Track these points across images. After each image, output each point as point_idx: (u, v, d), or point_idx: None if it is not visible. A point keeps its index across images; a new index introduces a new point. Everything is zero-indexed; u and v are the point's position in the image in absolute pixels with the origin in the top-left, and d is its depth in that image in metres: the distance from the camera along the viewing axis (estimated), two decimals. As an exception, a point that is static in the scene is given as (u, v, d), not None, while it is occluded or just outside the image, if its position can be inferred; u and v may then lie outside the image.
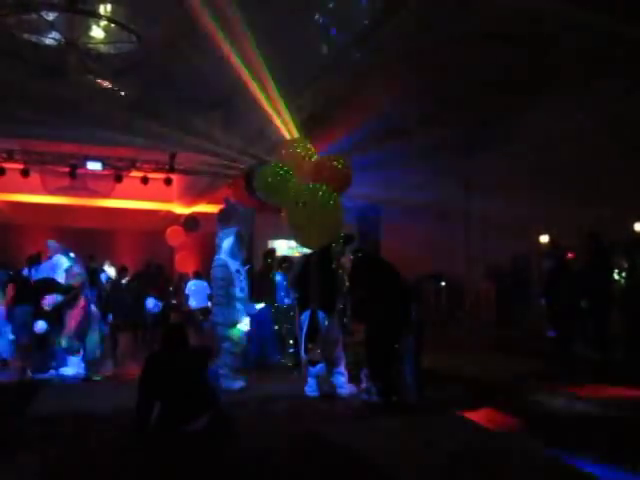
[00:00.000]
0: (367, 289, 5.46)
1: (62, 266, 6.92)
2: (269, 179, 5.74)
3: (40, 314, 6.56)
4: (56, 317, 6.61)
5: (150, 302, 10.04)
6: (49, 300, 6.60)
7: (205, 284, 11.74)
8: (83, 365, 6.79)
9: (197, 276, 11.88)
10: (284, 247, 11.53)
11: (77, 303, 6.75)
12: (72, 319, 6.68)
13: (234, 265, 5.93)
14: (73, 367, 6.67)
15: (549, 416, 4.62)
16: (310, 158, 5.93)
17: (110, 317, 8.56)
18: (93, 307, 7.13)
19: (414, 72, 9.16)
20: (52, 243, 7.38)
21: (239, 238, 6.05)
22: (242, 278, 5.98)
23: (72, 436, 4.07)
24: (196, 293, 11.46)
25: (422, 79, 9.51)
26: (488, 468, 3.38)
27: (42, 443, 3.91)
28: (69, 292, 6.70)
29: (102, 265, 10.96)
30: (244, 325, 5.96)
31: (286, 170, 5.68)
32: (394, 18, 6.87)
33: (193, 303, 11.42)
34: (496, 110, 10.67)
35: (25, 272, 10.09)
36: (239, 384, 5.80)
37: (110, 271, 11.76)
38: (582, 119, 10.37)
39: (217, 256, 6.06)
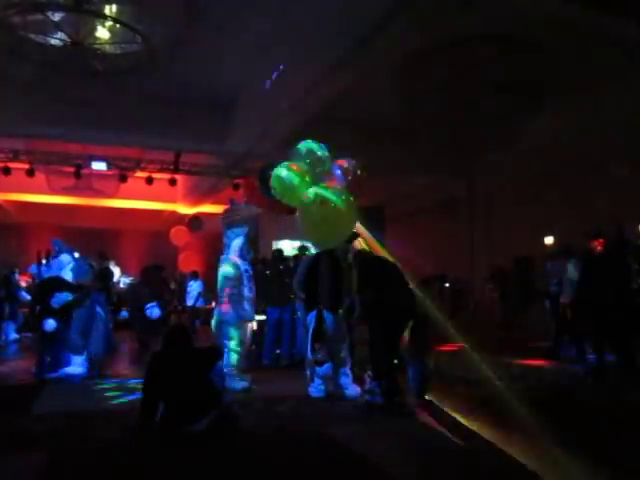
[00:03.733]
0: (371, 290, 5.46)
1: (68, 265, 6.96)
2: (285, 178, 5.68)
3: (49, 312, 6.60)
4: (64, 315, 6.65)
5: (152, 310, 10.04)
6: (58, 298, 6.63)
7: (199, 284, 11.83)
8: (86, 364, 6.82)
9: (194, 276, 11.96)
10: (289, 248, 11.54)
11: (85, 302, 6.79)
12: (78, 317, 6.73)
13: (243, 265, 5.99)
14: (77, 366, 6.69)
15: (551, 416, 4.61)
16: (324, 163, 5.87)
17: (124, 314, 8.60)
18: (98, 307, 7.16)
19: (418, 74, 9.18)
20: (57, 242, 7.42)
21: (248, 239, 6.11)
22: (250, 278, 6.03)
23: (75, 435, 4.08)
24: (191, 293, 11.57)
25: (424, 80, 9.53)
26: (487, 469, 3.37)
27: (45, 441, 3.92)
28: (78, 290, 6.74)
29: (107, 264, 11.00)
30: (252, 325, 6.04)
31: (302, 170, 5.62)
32: (397, 19, 6.86)
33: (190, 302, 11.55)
34: (501, 111, 10.65)
35: (34, 269, 10.17)
36: (242, 384, 5.81)
37: (115, 270, 11.85)
38: (586, 120, 10.36)
39: (225, 255, 6.09)
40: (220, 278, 5.98)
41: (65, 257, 7.08)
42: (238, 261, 5.97)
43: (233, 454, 3.74)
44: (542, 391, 5.71)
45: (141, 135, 11.57)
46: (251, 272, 6.13)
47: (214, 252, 10.78)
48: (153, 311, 9.56)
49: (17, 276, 10.16)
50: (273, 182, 5.73)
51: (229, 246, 6.07)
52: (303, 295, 5.86)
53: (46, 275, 7.55)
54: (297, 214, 5.73)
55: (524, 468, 3.39)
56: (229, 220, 6.19)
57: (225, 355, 5.72)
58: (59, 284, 6.77)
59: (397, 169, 13.25)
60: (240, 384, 5.77)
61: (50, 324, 6.54)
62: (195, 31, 8.43)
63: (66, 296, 6.64)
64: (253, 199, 6.31)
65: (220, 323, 5.90)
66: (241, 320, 5.85)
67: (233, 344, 5.83)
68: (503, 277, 13.16)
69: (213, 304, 10.93)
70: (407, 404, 5.00)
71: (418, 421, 4.54)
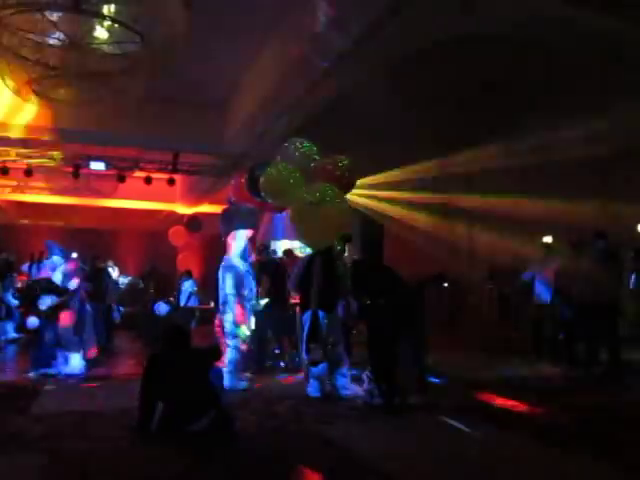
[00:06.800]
0: (368, 292, 5.46)
1: (59, 267, 6.95)
2: (275, 179, 5.68)
3: (33, 312, 6.62)
4: (50, 316, 6.66)
5: (160, 307, 10.14)
6: (45, 300, 6.63)
7: (190, 283, 11.84)
8: (84, 363, 6.81)
9: (187, 275, 11.98)
10: (287, 247, 11.55)
11: (71, 305, 6.81)
12: (66, 316, 6.73)
13: (243, 266, 5.99)
14: (74, 365, 6.68)
15: (549, 416, 4.61)
16: (314, 159, 5.89)
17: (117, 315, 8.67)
18: (88, 306, 7.19)
19: (415, 72, 9.16)
20: (50, 243, 7.40)
21: (250, 241, 6.14)
22: (250, 279, 6.04)
23: (74, 435, 4.08)
24: (184, 292, 11.58)
25: (423, 79, 9.51)
26: (487, 470, 3.37)
27: (44, 442, 3.91)
28: (64, 294, 6.74)
29: (105, 265, 10.99)
30: (251, 325, 6.07)
31: (292, 169, 5.63)
32: (395, 18, 6.85)
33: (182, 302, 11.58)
34: (498, 109, 10.65)
35: (25, 268, 10.16)
36: (243, 384, 5.81)
37: (113, 271, 11.84)
38: (584, 119, 10.36)
39: (227, 257, 6.09)
40: (222, 279, 5.97)
41: (57, 259, 7.07)
42: (238, 262, 5.98)
43: (232, 454, 3.74)
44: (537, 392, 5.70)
45: (139, 135, 11.55)
46: (252, 273, 6.14)
47: (213, 252, 10.78)
48: (160, 307, 9.68)
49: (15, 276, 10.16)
50: (263, 183, 5.75)
51: (231, 247, 6.08)
52: (298, 295, 5.86)
53: (36, 277, 7.54)
54: (289, 214, 5.75)
55: (523, 467, 3.40)
56: (236, 221, 6.20)
57: (225, 355, 5.72)
58: (47, 287, 6.77)
59: (396, 168, 13.24)
60: (239, 384, 5.76)
61: (32, 322, 6.58)
62: (194, 30, 8.41)
63: (52, 299, 6.64)
64: (242, 199, 6.31)
65: (223, 323, 5.89)
66: (242, 319, 5.86)
67: (234, 343, 5.83)
68: (502, 277, 13.14)
69: (211, 304, 10.94)
70: (407, 404, 5.00)
71: (417, 421, 4.53)
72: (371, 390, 5.25)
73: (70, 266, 7.00)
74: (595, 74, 9.08)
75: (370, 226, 14.20)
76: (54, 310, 6.65)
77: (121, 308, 10.60)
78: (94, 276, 8.22)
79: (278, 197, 5.76)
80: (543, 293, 7.84)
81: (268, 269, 6.91)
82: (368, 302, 5.42)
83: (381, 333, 5.28)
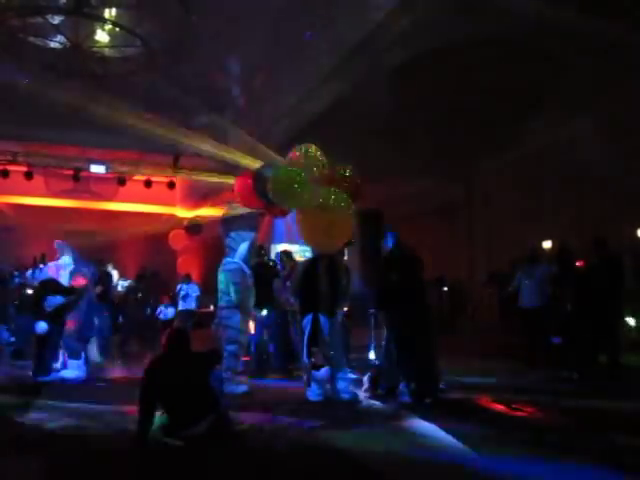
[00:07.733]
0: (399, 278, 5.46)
1: (67, 267, 6.91)
2: (283, 181, 5.63)
3: (41, 315, 6.55)
4: (57, 318, 6.59)
5: (167, 311, 10.21)
6: (50, 301, 6.58)
7: (193, 287, 11.83)
8: (84, 368, 6.77)
9: (187, 279, 11.97)
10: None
11: (79, 305, 6.74)
12: (73, 321, 6.67)
13: (247, 270, 5.94)
14: (74, 370, 6.65)
15: (548, 420, 4.61)
16: (322, 167, 5.86)
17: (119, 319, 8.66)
18: (95, 319, 7.15)
19: (417, 77, 9.19)
20: (60, 243, 7.33)
21: (253, 244, 6.10)
22: (252, 284, 6.01)
23: (73, 438, 4.07)
24: (190, 296, 11.56)
25: (424, 84, 9.55)
26: (486, 473, 3.37)
27: (43, 445, 3.90)
28: (71, 294, 6.68)
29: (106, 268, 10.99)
30: (250, 329, 6.07)
31: (301, 172, 5.58)
32: (397, 21, 6.89)
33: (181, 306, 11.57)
34: (499, 115, 10.68)
35: (29, 274, 10.14)
36: (242, 388, 5.79)
37: (113, 274, 11.85)
38: (584, 124, 10.39)
39: (230, 259, 6.01)
40: (224, 282, 5.91)
41: (65, 259, 7.02)
42: (244, 266, 5.93)
43: (231, 458, 3.73)
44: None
45: (140, 138, 11.57)
46: (252, 277, 6.10)
47: (213, 255, 10.77)
48: (167, 312, 9.77)
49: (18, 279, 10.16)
50: (270, 185, 5.70)
51: (235, 250, 6.01)
52: (299, 299, 5.82)
53: (40, 278, 7.51)
54: (297, 218, 5.71)
55: (522, 470, 3.39)
56: (236, 224, 6.17)
57: (225, 359, 5.70)
58: (53, 287, 6.71)
59: (396, 172, 13.27)
60: (239, 388, 5.75)
61: (41, 327, 6.48)
62: (195, 34, 8.44)
63: (59, 299, 6.57)
64: (247, 200, 6.20)
65: (223, 327, 5.85)
66: (244, 324, 5.84)
67: (233, 348, 5.79)
68: (502, 280, 13.13)
69: (211, 307, 10.92)
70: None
71: (417, 424, 4.52)
72: (400, 390, 5.27)
73: (78, 282, 6.92)
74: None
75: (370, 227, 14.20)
76: (61, 311, 6.60)
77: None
78: (101, 280, 8.22)
79: (285, 199, 5.70)
80: (531, 297, 7.82)
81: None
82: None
83: (411, 332, 5.27)
